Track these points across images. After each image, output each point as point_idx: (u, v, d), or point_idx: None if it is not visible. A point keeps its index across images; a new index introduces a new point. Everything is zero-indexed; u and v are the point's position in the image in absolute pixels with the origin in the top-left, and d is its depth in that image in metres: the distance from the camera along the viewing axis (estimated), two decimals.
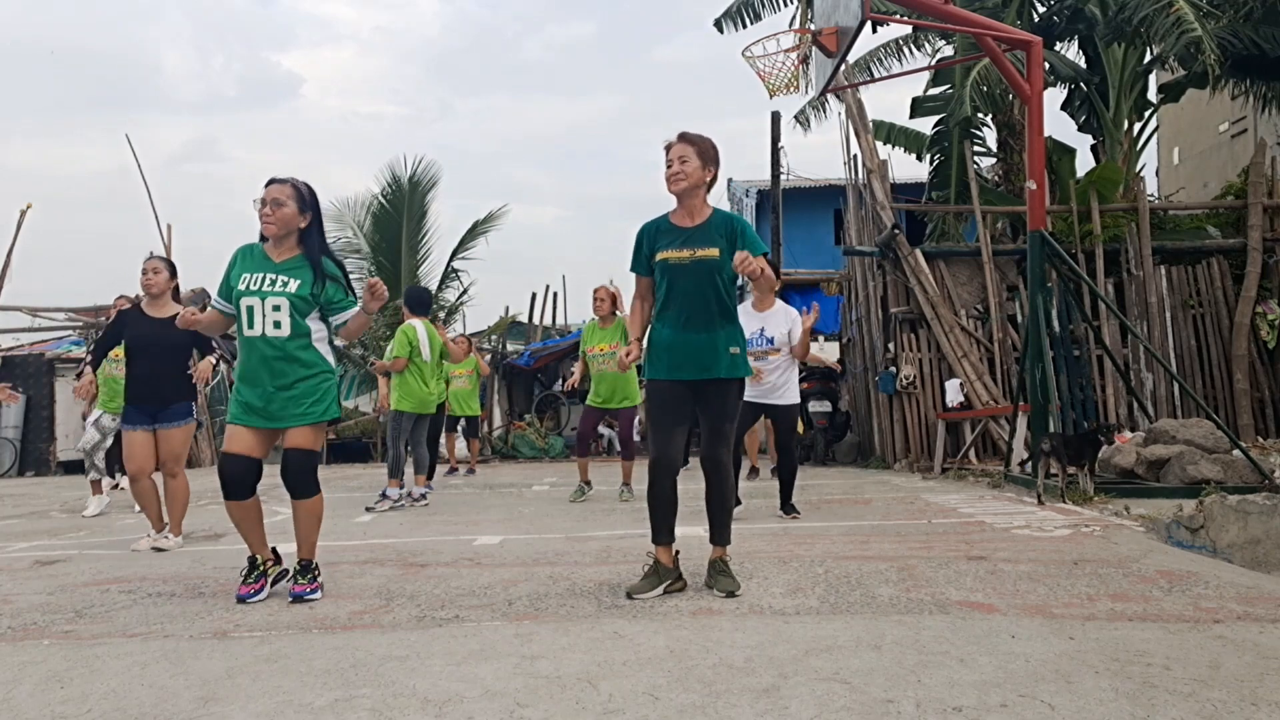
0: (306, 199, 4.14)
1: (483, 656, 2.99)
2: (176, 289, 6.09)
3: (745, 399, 6.45)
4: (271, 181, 4.13)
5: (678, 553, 3.99)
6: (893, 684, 2.60)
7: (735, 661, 2.86)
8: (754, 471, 10.36)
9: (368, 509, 8.04)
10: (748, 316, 6.34)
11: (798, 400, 6.76)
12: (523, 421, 18.69)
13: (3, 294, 16.80)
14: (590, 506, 7.69)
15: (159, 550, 5.68)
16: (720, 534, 4.02)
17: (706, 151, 3.97)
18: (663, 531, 3.96)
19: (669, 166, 3.95)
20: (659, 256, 3.97)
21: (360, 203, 19.95)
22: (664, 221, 4.06)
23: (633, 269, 4.16)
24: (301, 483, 4.08)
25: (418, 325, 8.27)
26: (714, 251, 3.89)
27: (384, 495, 8.10)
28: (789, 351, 6.52)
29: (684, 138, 3.98)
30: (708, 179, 3.99)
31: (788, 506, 6.71)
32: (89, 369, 6.45)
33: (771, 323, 6.52)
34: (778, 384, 6.53)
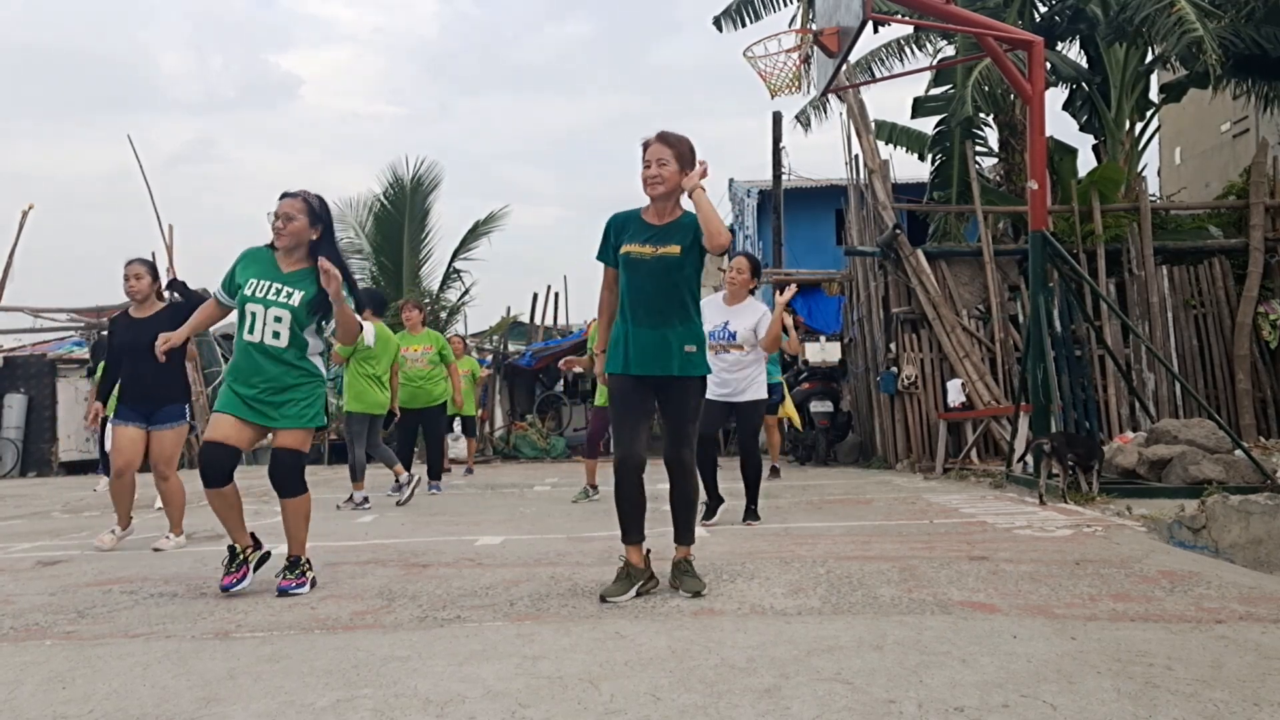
0: (318, 212, 4.22)
1: (484, 657, 2.99)
2: (160, 289, 6.02)
3: (708, 397, 6.30)
4: (284, 196, 4.22)
5: (648, 551, 3.99)
6: (894, 684, 2.60)
7: (737, 662, 2.86)
8: (774, 471, 10.28)
9: (337, 507, 8.12)
10: (715, 309, 6.14)
11: (763, 397, 6.43)
12: (524, 422, 18.68)
13: (4, 295, 16.83)
14: (592, 507, 7.69)
15: (157, 550, 5.67)
16: (684, 534, 4.00)
17: (685, 154, 3.89)
18: (632, 531, 3.95)
19: (646, 167, 3.88)
20: (623, 250, 3.94)
21: (362, 203, 20.01)
22: (634, 215, 4.02)
23: (599, 258, 4.11)
24: (288, 482, 4.17)
25: (366, 326, 8.32)
26: (675, 249, 3.86)
27: (350, 498, 8.24)
28: (755, 348, 6.24)
29: (663, 138, 3.90)
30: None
31: (750, 512, 6.33)
32: (97, 402, 6.29)
33: (738, 318, 6.19)
34: (741, 382, 6.22)
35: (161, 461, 5.80)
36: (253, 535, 4.31)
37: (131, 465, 5.81)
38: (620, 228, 4.02)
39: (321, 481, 12.03)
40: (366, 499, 8.19)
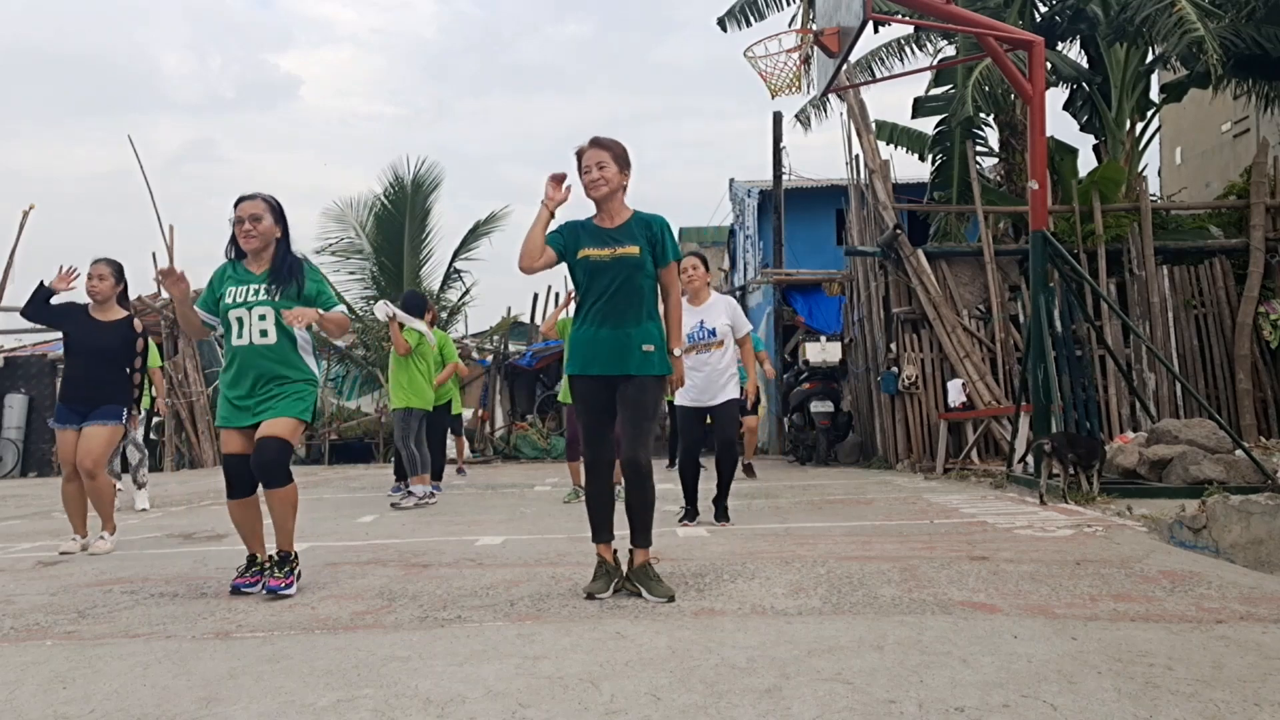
0: (277, 210, 4.33)
1: (485, 657, 2.99)
2: (124, 293, 5.91)
3: (684, 404, 6.16)
4: (243, 199, 4.28)
5: (616, 551, 4.04)
6: (895, 684, 2.60)
7: (737, 662, 2.86)
8: (749, 469, 10.43)
9: (394, 506, 8.06)
10: (686, 312, 5.97)
11: (737, 395, 6.30)
12: (525, 422, 18.70)
13: (5, 295, 16.82)
14: None
15: (97, 554, 5.59)
16: (642, 536, 3.96)
17: (621, 156, 4.02)
18: (603, 531, 4.02)
19: (587, 173, 3.97)
20: (581, 254, 3.99)
21: (363, 203, 19.95)
22: (588, 223, 4.09)
23: (546, 240, 4.04)
24: (274, 471, 4.14)
25: (422, 326, 8.45)
26: (634, 249, 3.95)
27: (410, 492, 8.18)
28: (732, 344, 6.20)
29: (598, 143, 4.00)
30: (625, 183, 4.05)
31: (721, 509, 6.22)
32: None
33: (711, 314, 6.15)
34: (717, 384, 6.13)
35: (89, 460, 5.52)
36: (270, 555, 4.33)
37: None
38: (574, 232, 4.05)
39: (323, 481, 12.03)
40: (432, 492, 8.20)
